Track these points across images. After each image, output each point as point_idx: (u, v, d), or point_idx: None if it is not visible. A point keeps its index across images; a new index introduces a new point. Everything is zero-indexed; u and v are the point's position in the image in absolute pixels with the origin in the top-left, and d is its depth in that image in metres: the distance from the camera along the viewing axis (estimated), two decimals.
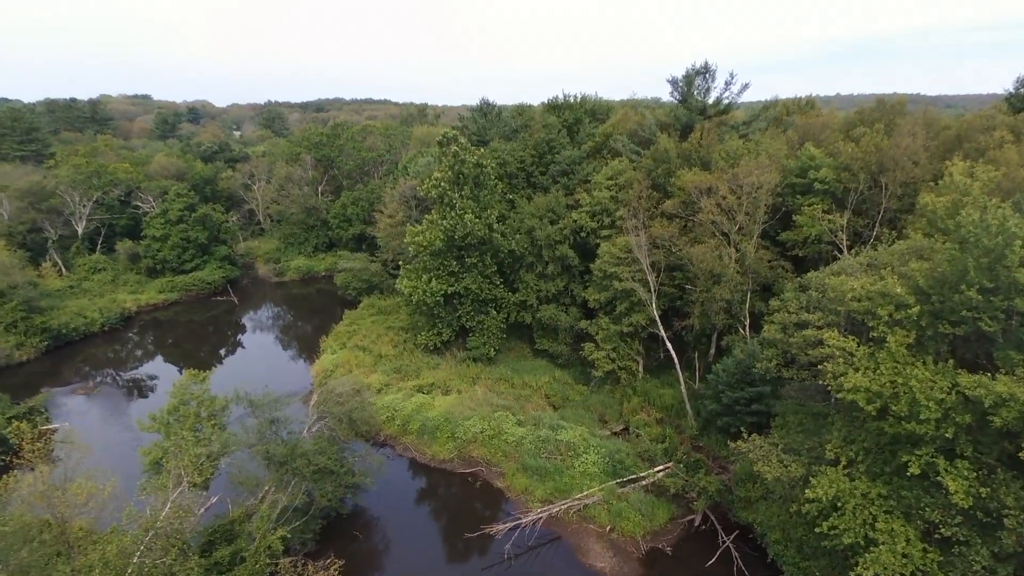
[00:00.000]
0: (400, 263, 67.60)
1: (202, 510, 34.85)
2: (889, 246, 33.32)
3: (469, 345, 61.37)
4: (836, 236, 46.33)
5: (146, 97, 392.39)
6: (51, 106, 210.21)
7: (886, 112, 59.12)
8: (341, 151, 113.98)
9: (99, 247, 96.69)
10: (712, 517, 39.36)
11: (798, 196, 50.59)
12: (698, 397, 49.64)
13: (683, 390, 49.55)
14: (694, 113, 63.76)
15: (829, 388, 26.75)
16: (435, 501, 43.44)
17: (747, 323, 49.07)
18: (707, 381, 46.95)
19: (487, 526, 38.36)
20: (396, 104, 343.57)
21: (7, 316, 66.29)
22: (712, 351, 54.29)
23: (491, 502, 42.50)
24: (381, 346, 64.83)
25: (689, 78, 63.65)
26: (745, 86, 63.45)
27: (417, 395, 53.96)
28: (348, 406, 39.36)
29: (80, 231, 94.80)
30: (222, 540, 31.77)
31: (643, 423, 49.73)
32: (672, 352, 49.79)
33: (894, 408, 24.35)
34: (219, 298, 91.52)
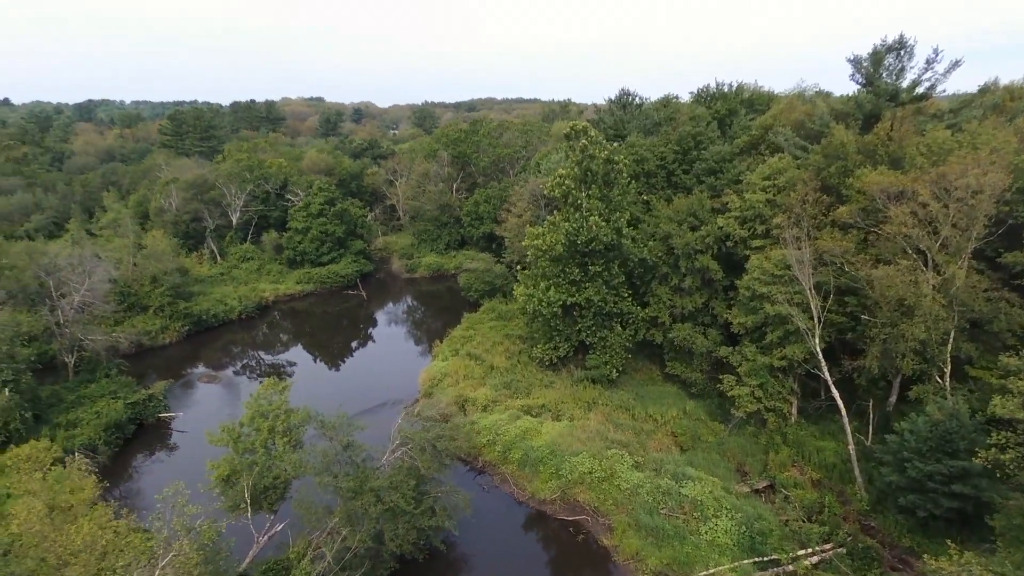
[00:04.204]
0: (520, 266, 62.61)
1: (265, 537, 31.76)
2: None
3: (588, 363, 54.54)
4: None
5: (319, 99, 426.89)
6: (235, 107, 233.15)
7: None
8: (477, 147, 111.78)
9: (249, 237, 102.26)
10: None
11: None
12: (871, 458, 38.84)
13: (851, 448, 39.02)
14: (882, 99, 51.91)
15: None
16: (526, 554, 37.09)
17: (947, 371, 37.35)
18: (885, 441, 36.23)
19: None
20: (544, 102, 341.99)
21: (156, 300, 70.40)
22: (892, 399, 42.82)
23: (592, 564, 35.52)
24: (494, 356, 60.03)
25: (877, 56, 52.01)
26: (955, 64, 50.64)
27: (524, 418, 48.15)
28: (432, 434, 34.42)
29: (234, 221, 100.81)
30: None
31: (794, 483, 39.98)
32: (837, 397, 39.47)
33: None
34: (350, 292, 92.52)
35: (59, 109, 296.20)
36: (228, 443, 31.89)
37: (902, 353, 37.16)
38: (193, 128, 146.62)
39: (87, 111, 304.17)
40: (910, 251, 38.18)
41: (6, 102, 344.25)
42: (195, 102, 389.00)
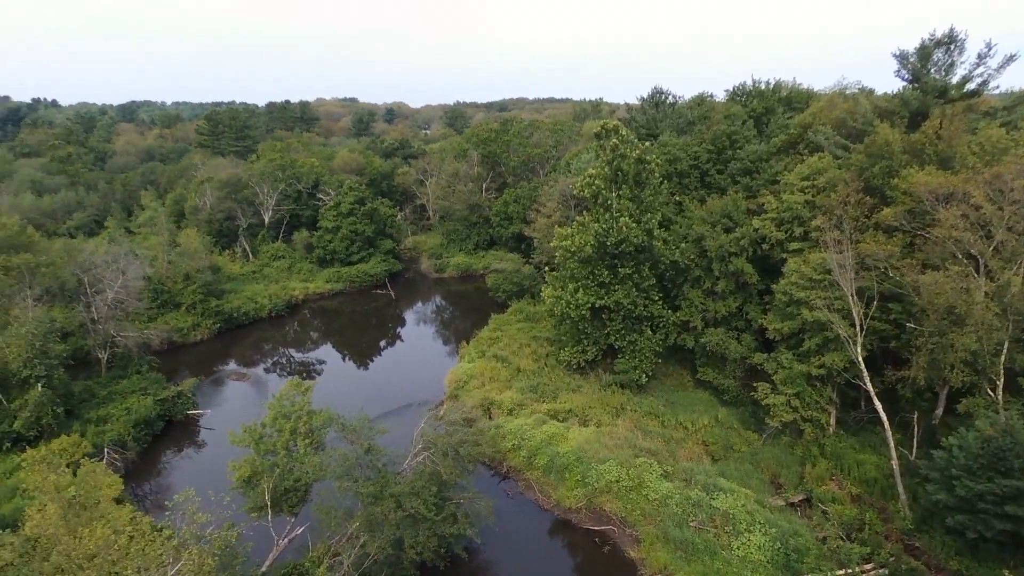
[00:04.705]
0: (549, 267, 61.65)
1: (285, 540, 31.45)
2: None
3: (617, 368, 53.25)
4: None
5: (353, 100, 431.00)
6: (270, 107, 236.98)
7: None
8: (507, 147, 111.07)
9: (281, 236, 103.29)
10: None
11: None
12: (915, 474, 36.84)
13: (894, 462, 37.06)
14: (930, 95, 49.61)
15: None
16: (550, 563, 36.08)
17: (1000, 384, 35.18)
18: (931, 457, 34.27)
19: None
20: (576, 102, 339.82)
21: (188, 298, 71.38)
22: (938, 412, 40.64)
23: None
24: (521, 359, 59.17)
25: (925, 50, 49.77)
26: (1009, 58, 48.24)
27: (550, 422, 47.20)
28: (455, 438, 33.71)
29: (267, 220, 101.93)
30: None
31: (832, 498, 38.22)
32: (880, 408, 37.53)
33: None
34: (379, 291, 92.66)
35: (104, 110, 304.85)
36: (250, 444, 31.69)
37: (950, 364, 35.15)
38: (229, 128, 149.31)
39: (130, 112, 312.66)
40: (961, 256, 36.09)
41: (54, 103, 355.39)
42: (232, 103, 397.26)
